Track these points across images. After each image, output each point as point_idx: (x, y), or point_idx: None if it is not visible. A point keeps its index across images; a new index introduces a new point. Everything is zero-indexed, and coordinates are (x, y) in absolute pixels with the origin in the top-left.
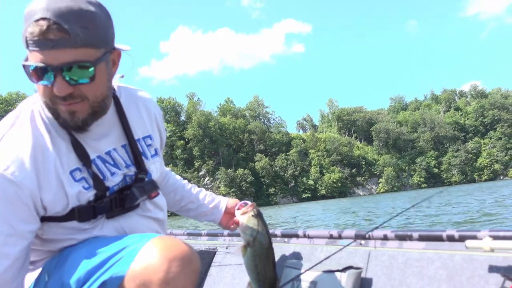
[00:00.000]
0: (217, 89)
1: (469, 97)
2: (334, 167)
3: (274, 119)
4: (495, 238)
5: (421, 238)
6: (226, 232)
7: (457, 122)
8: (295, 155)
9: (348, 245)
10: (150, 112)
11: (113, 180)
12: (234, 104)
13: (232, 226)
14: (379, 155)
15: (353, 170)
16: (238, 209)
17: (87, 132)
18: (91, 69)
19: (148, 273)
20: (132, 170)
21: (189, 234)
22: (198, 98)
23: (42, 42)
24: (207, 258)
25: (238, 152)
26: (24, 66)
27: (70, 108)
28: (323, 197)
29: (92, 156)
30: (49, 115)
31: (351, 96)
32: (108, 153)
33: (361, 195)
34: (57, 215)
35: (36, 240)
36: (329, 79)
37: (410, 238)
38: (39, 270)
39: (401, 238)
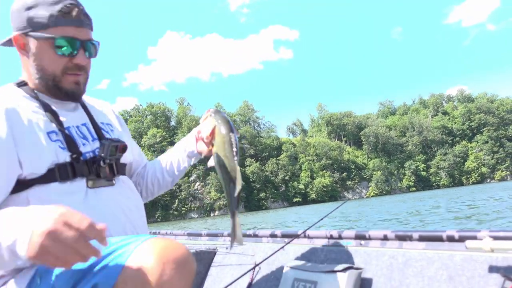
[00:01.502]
0: (206, 95)
1: (456, 101)
2: (324, 171)
3: (264, 124)
4: (495, 238)
5: (421, 239)
6: (226, 232)
7: (445, 126)
8: (286, 160)
9: (347, 246)
10: (108, 113)
11: (85, 148)
12: (225, 109)
13: (206, 140)
14: (369, 159)
15: (343, 174)
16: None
17: (61, 105)
18: (96, 47)
19: (141, 276)
20: (97, 144)
21: (189, 235)
22: (188, 103)
23: (75, 20)
24: (207, 258)
25: None
26: (47, 35)
27: (77, 79)
28: (314, 201)
29: (65, 125)
30: (27, 90)
31: (340, 101)
32: (77, 127)
33: (351, 199)
34: (37, 175)
35: None
36: (318, 84)
37: (410, 238)
38: (31, 273)
39: (401, 238)
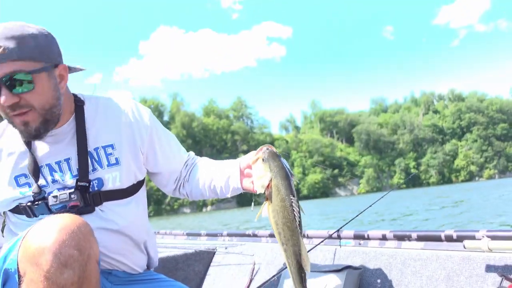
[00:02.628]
0: (199, 91)
1: (447, 100)
2: (316, 167)
3: (257, 120)
4: (493, 238)
5: (420, 238)
6: (225, 232)
7: (435, 124)
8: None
9: (346, 245)
10: (123, 120)
11: (53, 186)
12: (218, 105)
13: (258, 190)
14: (360, 156)
15: (335, 171)
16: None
17: (43, 140)
18: (30, 78)
19: (27, 249)
20: (74, 181)
21: (188, 234)
22: (182, 99)
23: None
24: (206, 258)
25: (222, 153)
26: None
27: (23, 119)
28: (306, 197)
29: (41, 163)
30: None
31: (333, 98)
32: (56, 163)
33: (342, 195)
34: (7, 209)
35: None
36: (311, 81)
37: (408, 238)
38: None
39: (400, 238)
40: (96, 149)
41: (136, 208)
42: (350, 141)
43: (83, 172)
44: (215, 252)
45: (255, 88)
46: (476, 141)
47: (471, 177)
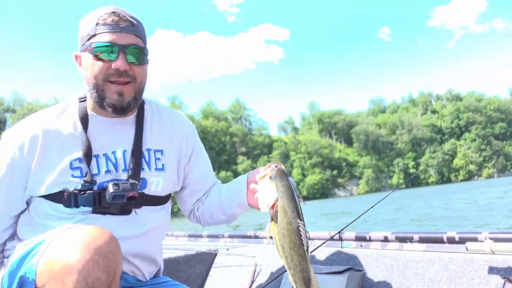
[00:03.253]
0: (197, 93)
1: (445, 100)
2: (315, 169)
3: (255, 122)
4: (496, 240)
5: (422, 240)
6: (226, 233)
7: (434, 124)
8: (277, 158)
9: (348, 247)
10: (175, 130)
11: (105, 177)
12: (216, 107)
13: (263, 209)
14: (359, 157)
15: (334, 172)
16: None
17: (111, 126)
18: (145, 54)
19: (51, 264)
20: (125, 176)
21: (190, 236)
22: (180, 102)
23: (114, 26)
24: (208, 259)
25: (221, 155)
26: (89, 45)
27: (120, 89)
28: (305, 198)
29: (96, 151)
30: (82, 106)
31: (331, 99)
32: (113, 152)
33: (342, 196)
34: (48, 193)
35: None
36: (309, 82)
37: (410, 240)
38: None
39: (402, 240)
40: (148, 150)
41: (165, 217)
42: (348, 141)
43: (136, 168)
44: (216, 254)
45: (253, 90)
46: (474, 140)
47: (470, 177)
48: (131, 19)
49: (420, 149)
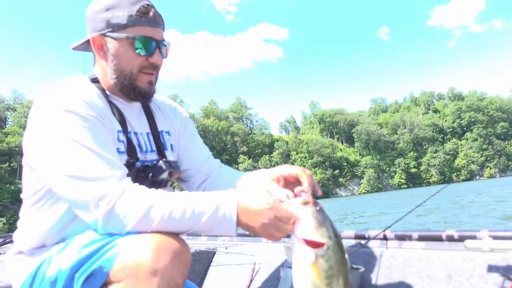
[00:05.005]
0: (196, 93)
1: (446, 99)
2: (317, 168)
3: (257, 121)
4: (495, 238)
5: (421, 238)
6: None
7: (435, 124)
8: (278, 157)
9: (348, 246)
10: (173, 114)
11: (143, 155)
12: (217, 106)
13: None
14: (361, 156)
15: (336, 171)
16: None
17: (128, 109)
18: (169, 47)
19: (137, 263)
20: (155, 156)
21: (188, 234)
22: (181, 100)
23: (152, 20)
24: (206, 258)
25: (222, 154)
26: (126, 35)
27: (151, 79)
28: None
29: (129, 129)
30: (99, 87)
31: (333, 99)
32: (141, 134)
33: (343, 196)
34: None
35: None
36: (310, 82)
37: (409, 238)
38: (44, 255)
39: (401, 238)
40: (161, 132)
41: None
42: (350, 141)
43: (162, 148)
44: (215, 252)
45: (253, 90)
46: (476, 140)
47: (471, 176)
48: (160, 14)
49: (421, 149)
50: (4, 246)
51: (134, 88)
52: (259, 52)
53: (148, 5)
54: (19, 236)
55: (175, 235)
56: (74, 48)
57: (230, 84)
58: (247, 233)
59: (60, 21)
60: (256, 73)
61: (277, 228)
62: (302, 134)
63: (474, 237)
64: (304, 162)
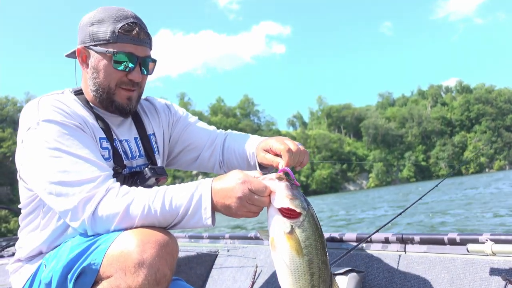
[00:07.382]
0: (202, 90)
1: (454, 92)
2: (324, 163)
3: (264, 117)
4: (497, 241)
5: (423, 242)
6: (227, 234)
7: (444, 116)
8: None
9: (349, 248)
10: (158, 115)
11: (129, 162)
12: (225, 103)
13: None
14: (369, 151)
15: (344, 166)
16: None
17: (112, 118)
18: (154, 65)
19: (123, 257)
20: (143, 161)
21: (190, 237)
22: (189, 98)
23: (135, 38)
24: (208, 260)
25: None
26: (107, 50)
27: (130, 94)
28: (315, 192)
29: (116, 137)
30: (82, 99)
31: (339, 93)
32: (126, 140)
33: (352, 190)
34: None
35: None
36: (317, 77)
37: (411, 241)
38: (40, 261)
39: (403, 241)
40: (150, 135)
41: None
42: (358, 135)
43: (150, 153)
44: (217, 255)
45: (259, 87)
46: (485, 132)
47: (481, 169)
48: (147, 31)
49: (430, 142)
50: (7, 249)
51: (112, 102)
52: (263, 49)
53: (133, 23)
54: (19, 245)
55: (160, 228)
56: (67, 56)
57: (235, 82)
58: (249, 235)
59: (75, 24)
60: (261, 70)
61: (252, 201)
62: (310, 129)
63: (476, 241)
64: (312, 157)
